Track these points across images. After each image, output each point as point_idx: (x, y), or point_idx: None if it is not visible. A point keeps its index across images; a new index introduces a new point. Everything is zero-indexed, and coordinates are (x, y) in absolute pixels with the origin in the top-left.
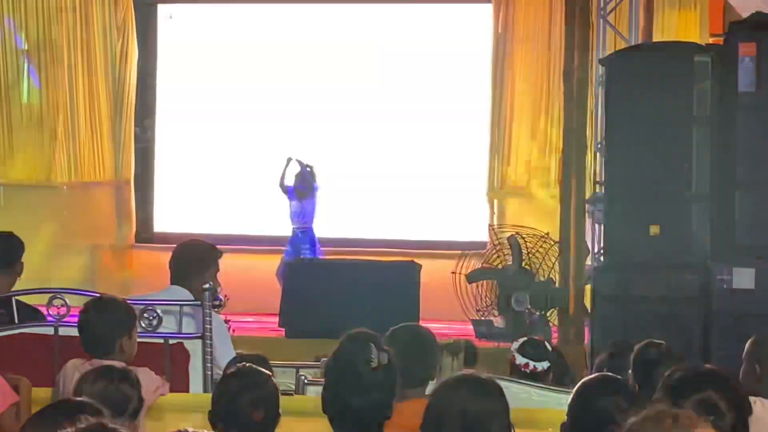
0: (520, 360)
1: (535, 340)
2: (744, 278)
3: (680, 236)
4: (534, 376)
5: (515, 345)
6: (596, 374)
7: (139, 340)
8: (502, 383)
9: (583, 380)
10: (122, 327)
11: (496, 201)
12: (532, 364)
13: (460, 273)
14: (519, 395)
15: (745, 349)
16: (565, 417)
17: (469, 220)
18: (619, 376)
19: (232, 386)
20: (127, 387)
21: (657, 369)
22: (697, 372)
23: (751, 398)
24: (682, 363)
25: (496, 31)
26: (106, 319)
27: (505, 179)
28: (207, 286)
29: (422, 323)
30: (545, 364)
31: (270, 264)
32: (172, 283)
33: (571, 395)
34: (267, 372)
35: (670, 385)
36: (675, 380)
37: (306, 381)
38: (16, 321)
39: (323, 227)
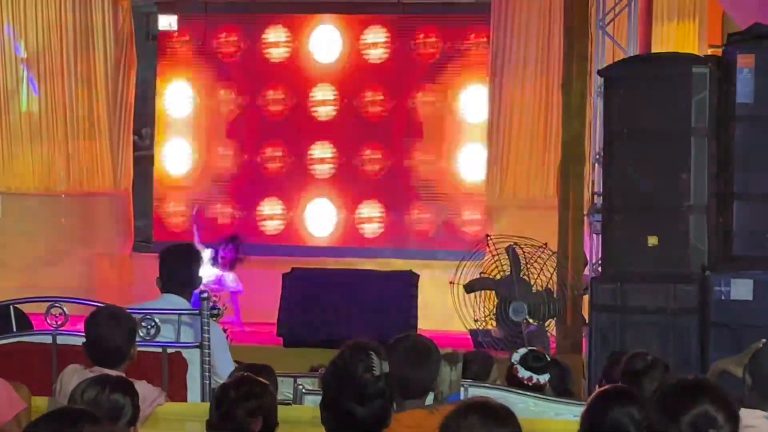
0: (523, 373)
1: (537, 352)
2: (742, 289)
3: (678, 247)
4: (534, 389)
5: (516, 357)
6: (610, 385)
7: (137, 348)
8: (499, 393)
9: (597, 391)
10: (132, 337)
11: (494, 211)
12: (535, 377)
13: (458, 283)
14: (516, 405)
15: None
16: (563, 426)
17: (466, 230)
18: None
19: (230, 395)
20: (119, 396)
21: (644, 379)
22: (691, 385)
23: (750, 409)
24: (668, 373)
25: (494, 41)
26: (122, 331)
27: (503, 189)
28: (205, 295)
29: (420, 333)
30: (546, 377)
31: (267, 273)
32: (164, 291)
33: (585, 405)
34: (265, 381)
35: (662, 402)
36: (667, 396)
37: (304, 390)
38: (14, 329)
39: (324, 235)
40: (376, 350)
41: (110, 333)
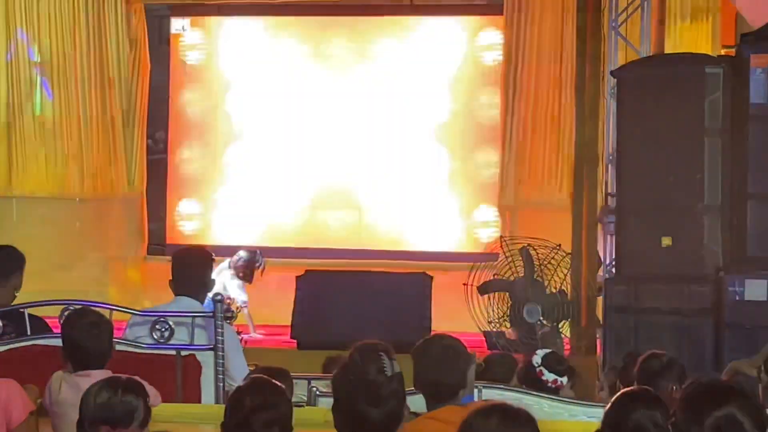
0: (548, 376)
1: (557, 354)
2: (756, 290)
3: (692, 248)
4: (555, 391)
5: (537, 359)
6: (635, 387)
7: (151, 351)
8: (514, 395)
9: (622, 391)
10: (112, 335)
11: (508, 212)
12: (559, 380)
13: (471, 285)
14: (531, 407)
15: None
16: (578, 428)
17: (480, 232)
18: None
19: (245, 403)
20: (132, 398)
21: (659, 380)
22: (720, 387)
23: None
24: (684, 374)
25: (507, 43)
26: (106, 336)
27: (517, 191)
28: (219, 297)
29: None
30: (566, 379)
31: (281, 275)
32: (177, 294)
33: (609, 405)
34: (281, 385)
35: (688, 402)
36: (693, 396)
37: (318, 392)
38: (29, 332)
39: (337, 238)
40: (386, 351)
41: (96, 340)
